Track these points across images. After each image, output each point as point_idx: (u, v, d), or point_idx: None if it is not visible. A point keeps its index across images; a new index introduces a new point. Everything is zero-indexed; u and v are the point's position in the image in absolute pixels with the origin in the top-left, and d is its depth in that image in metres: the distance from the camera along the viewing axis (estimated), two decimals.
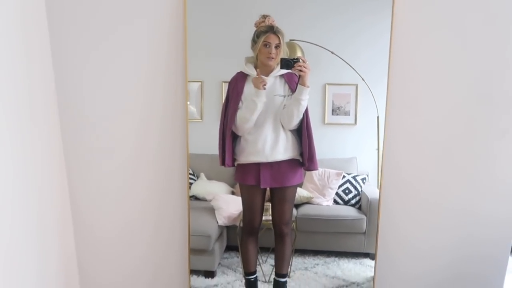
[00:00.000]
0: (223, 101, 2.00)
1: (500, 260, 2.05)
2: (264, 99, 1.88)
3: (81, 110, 1.99)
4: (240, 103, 1.93)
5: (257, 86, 1.86)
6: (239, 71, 1.97)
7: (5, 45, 1.62)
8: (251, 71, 1.93)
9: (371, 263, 2.19)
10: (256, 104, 1.88)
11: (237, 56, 2.00)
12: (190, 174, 2.22)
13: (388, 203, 2.03)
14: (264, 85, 1.85)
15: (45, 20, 1.89)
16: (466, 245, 2.04)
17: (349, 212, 2.23)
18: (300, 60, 1.80)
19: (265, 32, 1.86)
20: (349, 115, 2.18)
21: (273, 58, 1.88)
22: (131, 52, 1.92)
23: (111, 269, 2.19)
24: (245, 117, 1.90)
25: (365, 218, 2.19)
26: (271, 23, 1.87)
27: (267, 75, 1.90)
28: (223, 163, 1.98)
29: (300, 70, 1.81)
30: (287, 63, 1.81)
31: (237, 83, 1.95)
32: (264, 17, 1.88)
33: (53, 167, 1.97)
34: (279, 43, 1.87)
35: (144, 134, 2.02)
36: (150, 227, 2.13)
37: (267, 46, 1.87)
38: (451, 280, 2.09)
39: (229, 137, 1.95)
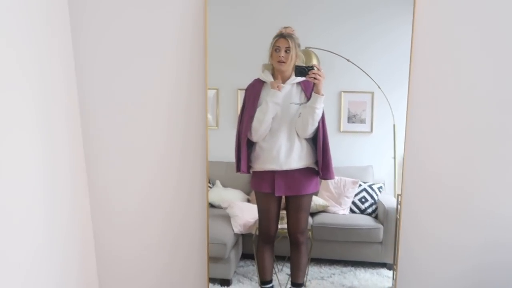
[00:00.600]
0: (240, 108, 2.01)
1: None
2: (276, 100, 1.89)
3: (103, 117, 2.04)
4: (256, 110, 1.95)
5: (273, 87, 1.88)
6: (256, 78, 1.98)
7: (28, 46, 1.67)
8: (268, 78, 1.94)
9: (388, 273, 2.16)
10: (267, 104, 1.89)
11: (253, 64, 2.02)
12: None
13: (410, 212, 2.00)
14: (279, 86, 1.87)
15: (68, 28, 1.94)
16: (491, 252, 1.99)
17: (366, 221, 2.20)
18: (315, 68, 1.81)
19: (275, 37, 1.89)
20: (365, 123, 2.17)
21: (284, 62, 1.88)
22: (150, 61, 1.97)
23: (131, 278, 2.21)
24: (258, 119, 1.91)
25: (382, 227, 2.17)
26: (286, 32, 1.89)
27: (283, 82, 1.91)
28: (238, 169, 1.99)
29: (315, 78, 1.81)
30: (301, 71, 1.82)
31: (253, 90, 1.96)
32: (285, 28, 1.90)
33: (74, 175, 2.01)
34: (289, 46, 1.87)
35: (164, 141, 2.05)
36: (170, 236, 2.15)
37: (277, 50, 1.88)
38: None
39: (244, 143, 1.95)
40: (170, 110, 2.02)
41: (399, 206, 2.01)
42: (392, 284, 2.10)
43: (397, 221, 2.04)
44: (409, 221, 2.01)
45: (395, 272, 2.07)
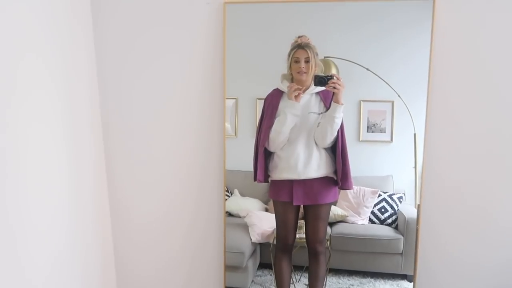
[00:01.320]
0: (259, 117, 2.02)
1: None
2: (295, 112, 1.89)
3: (124, 127, 2.09)
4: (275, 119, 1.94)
5: (290, 97, 1.87)
6: (275, 87, 1.99)
7: (52, 49, 1.72)
8: (286, 87, 1.94)
9: (409, 285, 2.11)
10: (285, 115, 1.88)
11: (272, 74, 2.02)
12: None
13: (429, 223, 1.97)
14: (297, 95, 1.86)
15: (92, 40, 1.99)
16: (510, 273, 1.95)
17: (385, 231, 2.17)
18: (334, 77, 1.80)
19: (293, 48, 1.88)
20: (385, 132, 2.14)
21: (304, 72, 1.88)
22: (173, 72, 2.01)
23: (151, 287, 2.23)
24: (276, 130, 1.91)
25: (402, 238, 2.13)
26: (303, 42, 1.89)
27: (302, 92, 1.91)
28: (256, 178, 1.99)
29: (334, 87, 1.81)
30: (320, 80, 1.82)
31: (272, 99, 1.97)
32: (299, 37, 1.90)
33: (96, 184, 2.05)
34: (308, 57, 1.87)
35: (184, 150, 2.09)
36: (189, 244, 2.17)
37: (297, 61, 1.88)
38: None
39: (262, 153, 1.96)
40: (190, 120, 2.05)
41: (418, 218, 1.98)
42: None
43: (417, 232, 2.00)
44: (427, 233, 1.98)
45: (414, 284, 2.03)
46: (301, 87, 1.88)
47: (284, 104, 1.93)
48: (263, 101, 2.02)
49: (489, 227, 1.93)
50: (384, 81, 2.02)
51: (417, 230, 2.00)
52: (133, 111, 2.06)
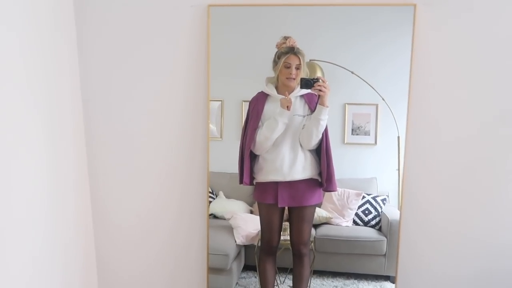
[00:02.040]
0: (244, 120, 2.01)
1: None
2: (286, 120, 1.89)
3: (106, 128, 2.06)
4: (260, 123, 1.94)
5: (283, 106, 1.87)
6: (260, 91, 1.99)
7: (36, 58, 1.70)
8: (272, 91, 1.95)
9: (392, 286, 2.14)
10: (277, 123, 1.89)
11: (257, 76, 2.02)
12: (209, 192, 2.23)
13: (407, 226, 2.00)
14: (289, 106, 1.86)
15: (75, 40, 1.97)
16: (487, 276, 1.98)
17: (369, 233, 2.19)
18: (320, 80, 1.82)
19: (286, 53, 1.88)
20: (369, 135, 2.17)
21: (293, 78, 1.89)
22: (154, 71, 1.99)
23: None
24: (265, 135, 1.91)
25: (386, 240, 2.15)
26: (292, 44, 1.89)
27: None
28: (241, 181, 1.99)
29: (320, 90, 1.82)
30: (307, 83, 1.83)
31: (257, 103, 1.97)
32: (286, 38, 1.91)
33: (77, 179, 2.02)
34: (300, 63, 1.88)
35: (166, 152, 2.06)
36: (171, 246, 2.15)
37: (288, 67, 1.89)
38: None
39: (248, 156, 1.96)
40: (174, 122, 2.04)
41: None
42: None
43: (398, 234, 2.02)
44: (406, 237, 2.01)
45: (395, 286, 2.06)
46: (291, 100, 1.88)
47: (269, 110, 1.94)
48: (248, 103, 2.02)
49: (463, 235, 1.97)
50: (368, 84, 2.04)
51: (398, 232, 2.03)
52: (116, 112, 2.04)
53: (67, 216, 1.94)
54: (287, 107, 1.86)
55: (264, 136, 1.92)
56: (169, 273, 2.18)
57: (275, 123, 1.89)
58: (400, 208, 1.99)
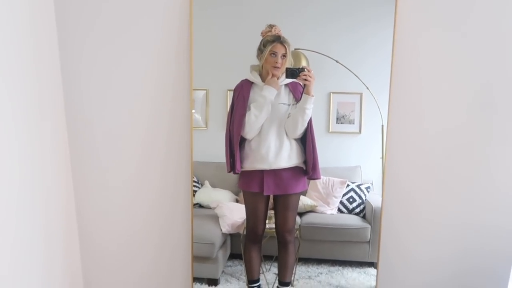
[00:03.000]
0: (229, 108, 2.01)
1: (502, 272, 2.04)
2: (272, 98, 1.90)
3: (87, 117, 2.02)
4: (247, 109, 1.94)
5: (269, 83, 1.89)
6: (244, 78, 1.98)
7: (14, 49, 1.65)
8: (257, 79, 1.95)
9: (375, 272, 2.18)
10: (265, 98, 1.89)
11: (242, 65, 2.02)
12: (194, 181, 2.23)
13: (389, 213, 2.03)
14: (276, 86, 1.89)
15: (54, 29, 1.93)
16: (467, 256, 2.04)
17: (353, 221, 2.22)
18: (305, 70, 1.83)
19: (272, 41, 1.88)
20: (353, 123, 2.19)
21: (279, 67, 1.89)
22: (136, 61, 1.95)
23: (116, 277, 2.20)
24: (255, 114, 1.91)
25: (370, 227, 2.19)
26: (277, 33, 1.89)
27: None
28: (231, 169, 1.99)
29: (305, 79, 1.84)
30: (292, 73, 1.84)
31: (242, 89, 1.97)
32: (271, 26, 1.90)
33: (59, 174, 2.00)
34: (286, 52, 1.89)
35: (149, 141, 2.04)
36: (155, 235, 2.14)
37: (274, 55, 1.89)
38: None
39: (237, 143, 1.95)
40: (157, 112, 2.01)
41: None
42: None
43: (380, 221, 2.05)
44: (388, 223, 2.05)
45: (377, 270, 2.10)
46: (276, 81, 1.90)
47: (254, 93, 1.94)
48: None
49: (444, 219, 2.01)
50: (353, 73, 2.05)
51: (380, 219, 2.06)
52: (98, 103, 2.00)
53: (49, 200, 1.91)
54: (275, 85, 1.89)
55: (254, 115, 1.91)
56: (153, 262, 2.17)
57: (263, 99, 1.90)
58: (382, 196, 2.02)
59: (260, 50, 1.92)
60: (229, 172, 1.99)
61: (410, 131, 1.95)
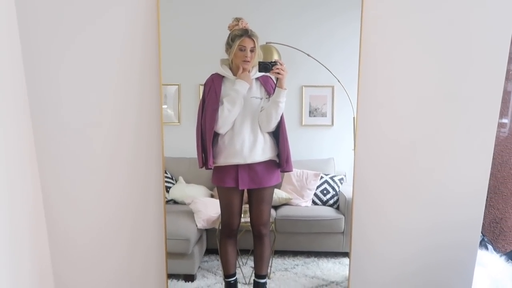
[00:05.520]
0: (199, 102, 2.00)
1: (469, 264, 2.09)
2: (245, 92, 1.90)
3: (53, 113, 1.96)
4: (219, 103, 1.93)
5: (241, 77, 1.90)
6: (214, 72, 1.97)
7: None
8: (227, 72, 1.94)
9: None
10: (237, 92, 1.90)
11: (213, 59, 2.00)
12: (168, 178, 2.21)
13: (358, 205, 2.05)
14: (248, 80, 1.90)
15: (16, 28, 1.86)
16: (438, 232, 2.07)
17: (328, 212, 2.25)
18: (278, 63, 1.84)
19: (240, 36, 1.88)
20: (326, 116, 2.21)
21: (249, 61, 1.89)
22: (101, 56, 1.90)
23: (87, 275, 2.16)
24: (228, 108, 1.91)
25: (343, 218, 2.22)
26: (244, 26, 1.89)
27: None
28: (204, 164, 1.98)
29: (278, 73, 1.84)
30: (265, 66, 1.84)
31: (213, 84, 1.95)
32: (237, 20, 1.90)
33: (26, 172, 1.94)
34: (254, 46, 1.89)
35: (119, 137, 1.99)
36: (126, 232, 2.11)
37: (243, 49, 1.89)
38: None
39: (210, 138, 1.94)
40: (126, 108, 1.96)
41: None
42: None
43: (351, 212, 2.08)
44: (357, 214, 2.07)
45: (349, 259, 2.12)
46: (248, 75, 1.91)
47: (225, 87, 1.94)
48: None
49: (417, 197, 2.04)
50: (324, 67, 2.07)
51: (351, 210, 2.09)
52: (64, 98, 1.93)
53: (17, 202, 1.87)
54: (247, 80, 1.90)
55: (227, 109, 1.91)
56: (126, 259, 2.13)
57: (236, 93, 1.90)
58: (352, 187, 2.04)
59: (229, 45, 1.92)
60: (201, 167, 1.98)
61: (376, 122, 1.96)
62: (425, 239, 2.08)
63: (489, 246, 2.28)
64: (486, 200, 2.05)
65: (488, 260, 2.15)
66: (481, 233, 2.22)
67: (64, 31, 1.88)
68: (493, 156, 1.95)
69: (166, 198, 2.14)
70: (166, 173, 2.20)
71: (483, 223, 2.19)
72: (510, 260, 2.13)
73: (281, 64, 1.85)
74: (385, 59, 1.90)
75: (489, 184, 1.98)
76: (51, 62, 1.91)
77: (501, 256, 2.19)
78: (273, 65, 1.84)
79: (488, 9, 1.81)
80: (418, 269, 2.11)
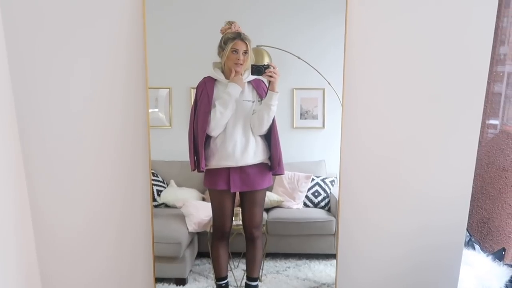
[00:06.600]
0: (192, 105, 1.99)
1: (454, 266, 2.12)
2: (237, 95, 1.90)
3: (39, 115, 1.92)
4: (212, 106, 1.93)
5: (234, 80, 1.90)
6: (206, 75, 1.97)
7: None
8: (220, 76, 1.94)
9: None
10: (230, 95, 1.90)
11: (204, 62, 2.00)
12: (160, 181, 2.19)
13: (344, 207, 2.06)
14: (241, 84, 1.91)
15: (2, 32, 1.82)
16: (419, 253, 2.10)
17: (319, 214, 2.26)
18: (271, 67, 1.85)
19: (233, 39, 1.88)
20: (317, 118, 2.22)
21: (241, 64, 1.89)
22: (88, 59, 1.88)
23: (75, 280, 2.13)
24: (220, 111, 1.91)
25: (334, 219, 2.23)
26: (237, 30, 1.89)
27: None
28: (196, 167, 1.97)
29: (271, 76, 1.86)
30: (258, 70, 1.85)
31: (206, 87, 1.95)
32: (230, 23, 1.90)
33: (12, 175, 1.91)
34: (247, 49, 1.89)
35: (105, 141, 1.97)
36: (113, 236, 2.09)
37: (235, 52, 1.88)
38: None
39: (203, 141, 1.94)
40: (113, 112, 1.94)
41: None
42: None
43: (338, 214, 2.10)
44: (344, 216, 2.09)
45: (336, 260, 2.13)
46: (240, 78, 1.91)
47: (218, 90, 1.94)
48: None
49: (402, 201, 2.06)
50: (315, 69, 2.08)
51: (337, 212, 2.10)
52: (51, 101, 1.91)
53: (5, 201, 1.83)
54: (240, 83, 1.90)
55: (219, 112, 1.91)
56: (114, 263, 2.11)
57: (228, 96, 1.90)
58: (338, 190, 2.05)
59: (221, 48, 1.91)
60: (193, 170, 1.98)
61: (363, 125, 1.97)
62: (411, 240, 2.10)
63: (477, 246, 2.31)
64: (474, 200, 2.08)
65: (475, 260, 2.17)
66: (469, 233, 2.25)
67: (50, 34, 1.85)
68: (480, 157, 1.97)
69: (157, 201, 2.13)
70: (157, 176, 2.18)
71: (470, 223, 2.23)
72: (497, 260, 2.16)
73: (273, 67, 1.86)
74: (369, 62, 1.91)
75: (476, 185, 2.01)
76: (36, 63, 1.87)
77: (488, 255, 2.22)
78: (265, 68, 1.85)
79: (470, 12, 1.83)
80: (405, 270, 2.14)
